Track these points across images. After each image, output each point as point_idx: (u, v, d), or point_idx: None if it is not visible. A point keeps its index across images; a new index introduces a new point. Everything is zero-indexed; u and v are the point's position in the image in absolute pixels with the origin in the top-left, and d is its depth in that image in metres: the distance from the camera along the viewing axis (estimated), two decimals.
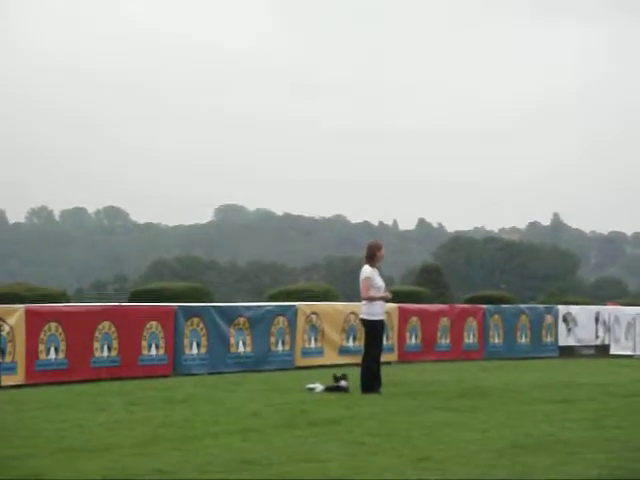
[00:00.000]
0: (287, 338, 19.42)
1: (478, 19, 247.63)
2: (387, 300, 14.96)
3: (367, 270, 14.60)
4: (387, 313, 19.89)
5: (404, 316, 21.88)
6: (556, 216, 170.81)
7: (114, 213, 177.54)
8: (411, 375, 17.31)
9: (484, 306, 24.38)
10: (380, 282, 14.70)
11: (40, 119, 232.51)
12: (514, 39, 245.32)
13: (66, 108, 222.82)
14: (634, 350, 25.70)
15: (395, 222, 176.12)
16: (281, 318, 19.40)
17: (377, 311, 14.56)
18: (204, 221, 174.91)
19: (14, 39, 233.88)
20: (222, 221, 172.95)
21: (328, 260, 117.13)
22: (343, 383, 14.39)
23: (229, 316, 18.57)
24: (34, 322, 15.52)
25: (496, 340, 23.96)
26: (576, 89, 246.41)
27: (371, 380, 14.22)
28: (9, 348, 15.13)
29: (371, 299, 14.48)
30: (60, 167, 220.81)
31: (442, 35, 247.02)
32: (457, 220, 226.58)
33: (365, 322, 14.62)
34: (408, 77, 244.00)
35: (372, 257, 14.72)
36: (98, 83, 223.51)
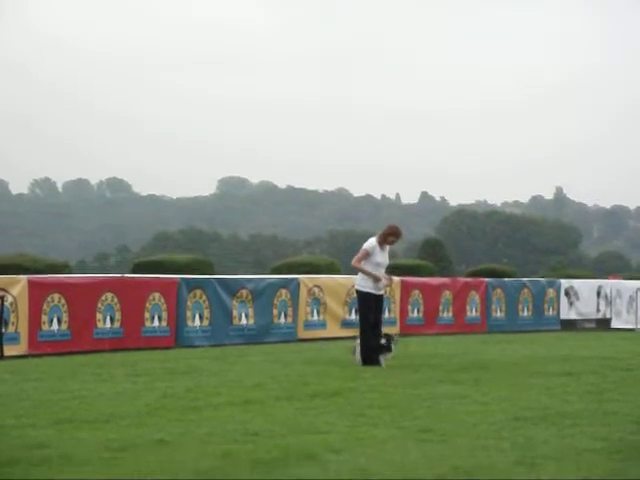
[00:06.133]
0: (289, 311, 19.44)
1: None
2: (387, 284, 14.80)
3: (371, 243, 14.19)
4: (389, 286, 19.93)
5: (406, 289, 21.90)
6: (559, 190, 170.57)
7: (117, 185, 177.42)
8: (413, 348, 17.31)
9: (486, 280, 24.38)
10: (380, 259, 14.22)
11: (41, 91, 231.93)
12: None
13: (67, 82, 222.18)
14: (635, 324, 25.74)
15: (398, 196, 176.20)
16: (283, 291, 19.42)
17: (368, 284, 14.15)
18: (207, 193, 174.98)
19: (14, 17, 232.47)
20: (225, 194, 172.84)
21: (331, 233, 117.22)
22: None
23: (232, 288, 18.58)
24: (37, 293, 15.55)
25: (498, 314, 23.99)
26: (579, 67, 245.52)
27: (369, 352, 14.10)
28: (12, 318, 15.18)
29: (358, 269, 14.19)
30: (63, 138, 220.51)
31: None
32: (460, 194, 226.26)
33: (356, 292, 14.52)
34: (407, 56, 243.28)
35: (385, 235, 14.30)
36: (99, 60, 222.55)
